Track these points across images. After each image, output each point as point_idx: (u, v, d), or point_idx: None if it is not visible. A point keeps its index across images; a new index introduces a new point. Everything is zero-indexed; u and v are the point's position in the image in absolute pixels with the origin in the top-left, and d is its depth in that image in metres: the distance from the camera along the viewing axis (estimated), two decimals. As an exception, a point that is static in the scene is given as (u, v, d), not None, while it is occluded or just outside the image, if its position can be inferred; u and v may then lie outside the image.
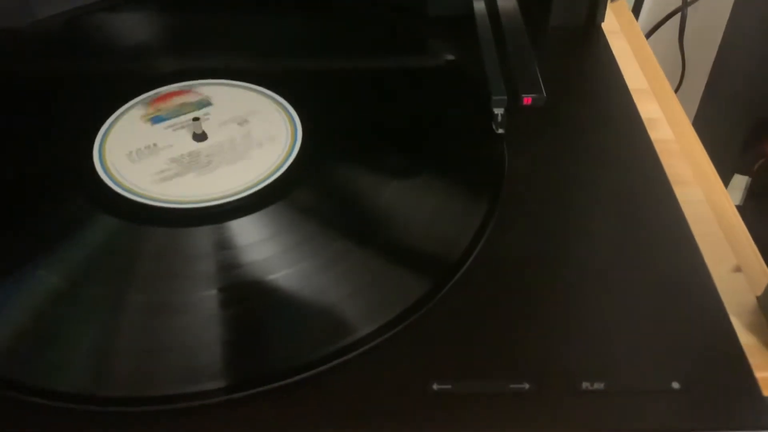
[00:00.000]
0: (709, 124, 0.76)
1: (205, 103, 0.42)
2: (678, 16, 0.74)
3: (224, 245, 0.35)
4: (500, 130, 0.40)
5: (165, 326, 0.32)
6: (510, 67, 0.43)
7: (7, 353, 0.31)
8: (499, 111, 0.40)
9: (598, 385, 0.30)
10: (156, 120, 0.41)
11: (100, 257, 0.34)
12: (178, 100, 0.42)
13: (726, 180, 0.69)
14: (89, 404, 0.29)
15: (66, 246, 0.35)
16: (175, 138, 0.40)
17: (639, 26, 0.60)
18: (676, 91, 0.76)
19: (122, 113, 0.42)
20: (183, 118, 0.41)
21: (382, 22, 0.51)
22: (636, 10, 0.75)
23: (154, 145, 0.40)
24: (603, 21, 0.50)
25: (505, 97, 0.40)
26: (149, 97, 0.43)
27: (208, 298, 0.33)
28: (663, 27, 0.76)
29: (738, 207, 0.68)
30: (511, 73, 0.42)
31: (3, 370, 0.30)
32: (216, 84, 0.44)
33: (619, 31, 0.56)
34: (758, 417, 0.29)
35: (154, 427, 0.29)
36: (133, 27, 0.50)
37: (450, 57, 0.47)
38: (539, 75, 0.41)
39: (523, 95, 0.40)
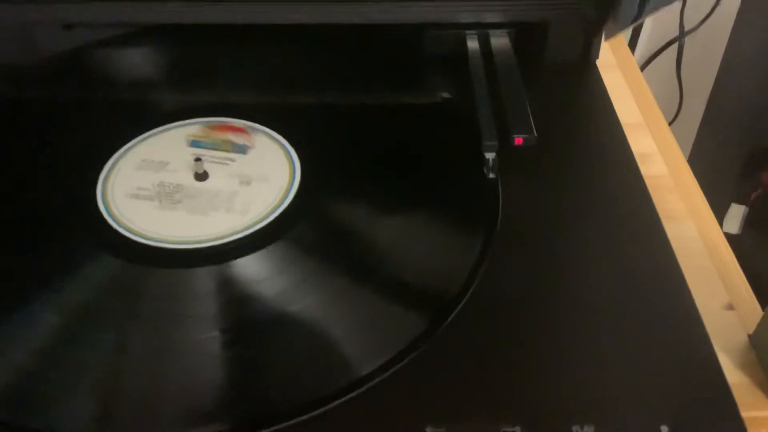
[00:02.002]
0: (706, 154, 0.77)
1: (242, 149, 0.43)
2: (675, 45, 0.75)
3: (225, 286, 0.36)
4: (491, 175, 0.41)
5: (166, 368, 0.32)
6: (502, 107, 0.43)
7: (7, 395, 0.31)
8: (490, 156, 0.41)
9: (588, 429, 0.30)
10: (194, 144, 0.43)
11: (101, 298, 0.35)
12: (227, 135, 0.43)
13: (723, 209, 0.70)
14: None
15: (68, 286, 0.36)
16: (185, 168, 0.41)
17: (635, 60, 0.61)
18: (673, 119, 0.77)
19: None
20: (215, 153, 0.42)
21: (378, 60, 0.51)
22: (633, 40, 0.76)
23: (166, 163, 0.41)
24: (597, 58, 0.51)
25: (496, 143, 0.41)
26: (211, 121, 0.44)
27: (208, 339, 0.33)
28: (660, 56, 0.77)
29: (735, 236, 0.68)
30: (503, 113, 0.43)
31: (4, 412, 0.31)
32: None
33: (615, 66, 0.57)
34: (746, 460, 0.30)
35: None
36: (134, 63, 0.51)
37: (445, 95, 0.48)
38: (531, 115, 0.42)
39: (515, 135, 0.41)
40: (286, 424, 0.30)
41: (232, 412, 0.31)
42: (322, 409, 0.31)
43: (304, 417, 0.30)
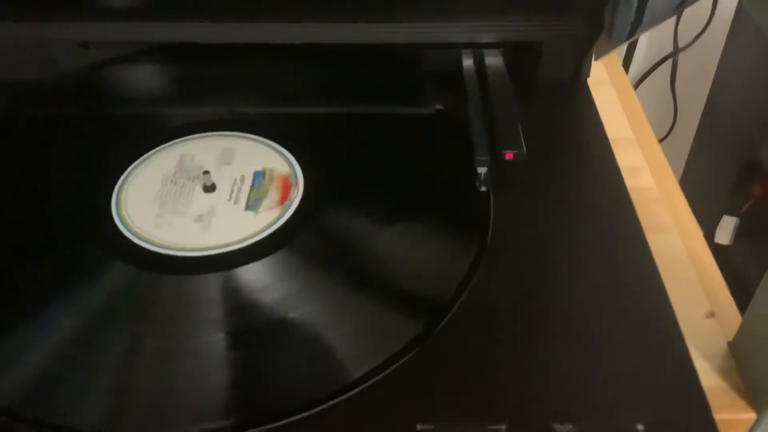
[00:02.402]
0: (700, 166, 0.79)
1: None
2: (670, 61, 0.77)
3: (230, 291, 0.38)
4: (483, 188, 0.43)
5: (174, 368, 0.35)
6: (494, 122, 0.46)
7: (28, 393, 0.34)
8: (482, 170, 0.43)
9: (569, 427, 0.32)
10: (257, 174, 0.45)
11: (114, 303, 0.38)
12: (275, 189, 0.44)
13: (716, 221, 0.72)
14: None
15: (83, 291, 0.38)
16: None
17: (631, 76, 0.63)
18: (668, 134, 0.79)
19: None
20: (250, 189, 0.44)
21: (377, 76, 0.54)
22: (628, 58, 0.78)
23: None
24: (588, 76, 0.54)
25: (488, 158, 0.43)
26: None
27: (213, 342, 0.36)
28: (655, 72, 0.79)
29: (727, 247, 0.70)
30: (495, 129, 0.45)
31: (25, 410, 0.33)
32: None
33: (608, 82, 0.60)
34: (716, 458, 0.32)
35: None
36: (145, 79, 0.54)
37: (440, 107, 0.50)
38: (521, 132, 0.44)
39: (505, 151, 0.43)
40: (285, 421, 0.32)
41: (235, 410, 0.33)
42: (318, 408, 0.33)
43: (303, 415, 0.32)
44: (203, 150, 0.46)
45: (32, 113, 0.51)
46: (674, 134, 0.78)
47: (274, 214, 0.42)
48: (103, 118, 0.51)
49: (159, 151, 0.46)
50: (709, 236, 0.72)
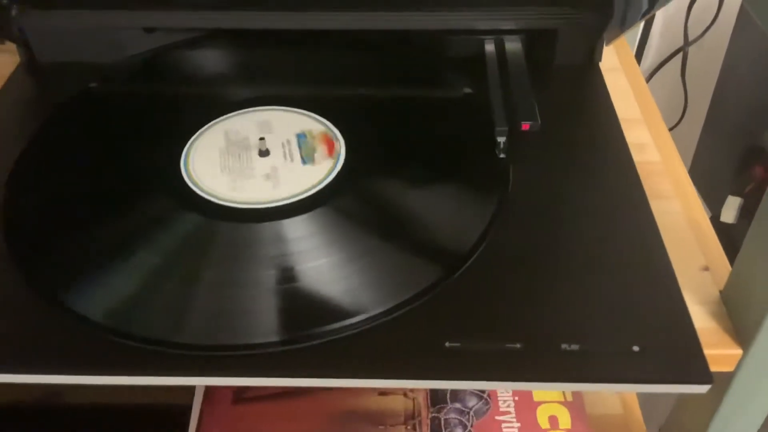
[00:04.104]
0: (709, 151, 0.83)
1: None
2: (680, 54, 0.82)
3: (280, 238, 0.44)
4: (502, 155, 0.49)
5: (233, 296, 0.41)
6: (512, 98, 0.51)
7: (119, 312, 0.41)
8: (501, 139, 0.49)
9: (575, 347, 0.38)
10: (300, 135, 0.51)
11: (186, 244, 0.44)
12: (320, 145, 0.51)
13: (722, 201, 0.77)
14: (175, 348, 0.38)
15: (162, 235, 0.45)
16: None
17: (643, 65, 0.68)
18: (679, 121, 0.84)
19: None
20: (296, 148, 0.50)
21: (409, 60, 0.60)
22: (641, 50, 0.83)
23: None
24: (600, 60, 0.59)
25: (506, 128, 0.49)
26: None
27: (265, 276, 0.42)
28: (667, 64, 0.84)
29: (732, 225, 0.75)
30: (513, 104, 0.51)
31: (117, 324, 0.40)
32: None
33: (620, 69, 0.65)
34: (700, 374, 0.37)
35: (223, 368, 0.38)
36: (206, 61, 0.60)
37: (467, 90, 0.56)
38: (536, 106, 0.50)
39: (522, 122, 0.49)
40: (330, 338, 0.38)
41: (281, 330, 0.39)
42: (361, 329, 0.39)
43: (348, 333, 0.39)
44: (243, 124, 0.53)
45: (103, 90, 0.58)
46: (684, 122, 0.83)
47: (329, 163, 0.48)
48: (168, 94, 0.57)
49: (220, 121, 0.52)
50: (715, 216, 0.77)
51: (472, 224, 0.45)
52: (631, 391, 0.37)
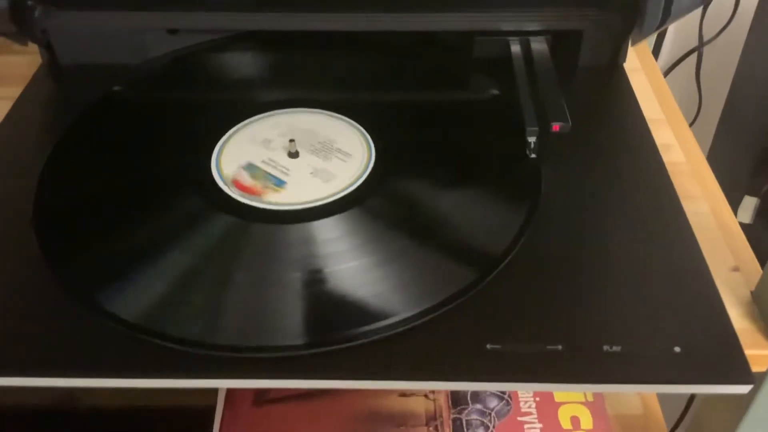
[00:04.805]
0: (723, 151, 0.84)
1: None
2: (695, 54, 0.82)
3: (313, 239, 0.44)
4: (533, 155, 0.49)
5: (261, 297, 0.41)
6: (541, 99, 0.51)
7: (152, 313, 0.40)
8: (531, 139, 0.49)
9: (617, 348, 0.38)
10: None
11: (218, 244, 0.44)
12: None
13: (738, 201, 0.77)
14: (205, 349, 0.38)
15: (193, 235, 0.45)
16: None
17: (658, 65, 0.68)
18: (693, 121, 0.84)
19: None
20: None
21: (438, 62, 0.60)
22: (656, 50, 0.83)
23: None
24: (624, 61, 0.59)
25: (537, 128, 0.49)
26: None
27: (292, 279, 0.42)
28: (681, 64, 0.84)
29: (748, 225, 0.75)
30: (542, 105, 0.51)
31: (149, 323, 0.40)
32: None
33: (640, 69, 0.65)
34: (741, 374, 0.37)
35: (251, 369, 0.38)
36: (232, 63, 0.60)
37: (495, 91, 0.56)
38: (566, 106, 0.50)
39: (553, 123, 0.49)
40: (367, 339, 0.38)
41: (322, 331, 0.39)
42: (401, 329, 0.39)
43: (389, 333, 0.38)
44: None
45: (127, 92, 0.57)
46: (699, 121, 0.83)
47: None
48: (195, 96, 0.57)
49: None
50: (731, 216, 0.77)
51: (505, 226, 0.45)
52: (673, 392, 0.37)
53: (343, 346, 0.38)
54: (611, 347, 0.38)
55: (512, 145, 0.50)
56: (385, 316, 0.39)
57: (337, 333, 0.39)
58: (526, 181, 0.48)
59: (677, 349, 0.38)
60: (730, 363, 0.38)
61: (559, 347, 0.38)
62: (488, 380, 0.37)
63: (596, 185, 0.48)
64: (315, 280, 0.42)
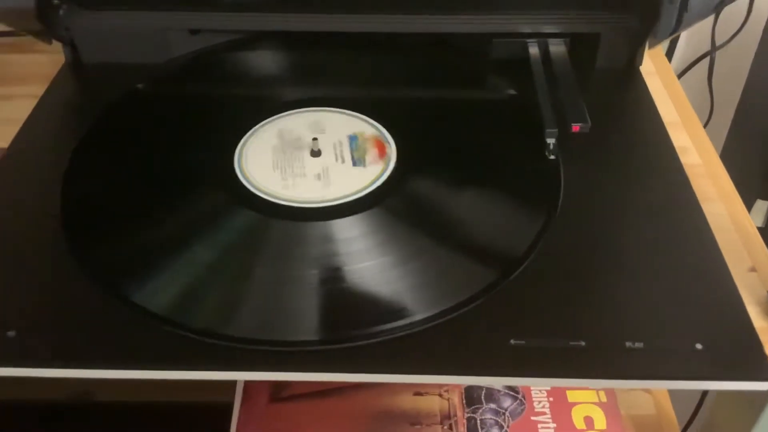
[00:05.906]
0: (734, 155, 0.84)
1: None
2: (707, 59, 0.82)
3: (335, 237, 0.45)
4: (551, 157, 0.50)
5: (279, 292, 0.42)
6: (561, 101, 0.52)
7: (175, 305, 0.41)
8: (551, 141, 0.50)
9: (639, 345, 0.38)
10: (351, 137, 0.52)
11: (239, 240, 0.45)
12: (372, 149, 0.51)
13: (749, 204, 0.77)
14: (224, 340, 0.39)
15: (215, 230, 0.45)
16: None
17: (672, 68, 0.69)
18: (705, 125, 0.84)
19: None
20: (348, 150, 0.51)
21: (458, 64, 0.61)
22: (669, 54, 0.84)
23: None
24: (641, 64, 0.60)
25: (556, 130, 0.50)
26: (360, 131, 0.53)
27: (309, 275, 0.42)
28: (694, 68, 0.85)
29: (760, 229, 0.76)
30: (561, 106, 0.52)
31: (174, 316, 0.40)
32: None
33: (655, 73, 0.65)
34: (760, 371, 0.38)
35: (272, 362, 0.38)
36: (253, 62, 0.61)
37: (513, 92, 0.57)
38: (585, 107, 0.51)
39: (573, 124, 0.49)
40: (392, 336, 0.39)
41: (347, 326, 0.40)
42: (427, 325, 0.39)
43: (414, 330, 0.39)
44: (296, 124, 0.53)
45: (149, 90, 0.58)
46: (711, 125, 0.83)
47: (380, 165, 0.49)
48: (217, 94, 0.58)
49: (258, 129, 0.53)
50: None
51: (525, 226, 0.45)
52: (695, 387, 0.37)
53: (366, 342, 0.39)
54: (633, 344, 0.38)
55: (531, 146, 0.51)
56: (407, 315, 0.40)
57: (360, 330, 0.40)
58: (546, 181, 0.48)
59: (699, 345, 0.38)
60: (751, 360, 0.38)
61: (582, 343, 0.38)
62: (513, 375, 0.38)
63: (615, 186, 0.49)
64: (336, 278, 0.42)
